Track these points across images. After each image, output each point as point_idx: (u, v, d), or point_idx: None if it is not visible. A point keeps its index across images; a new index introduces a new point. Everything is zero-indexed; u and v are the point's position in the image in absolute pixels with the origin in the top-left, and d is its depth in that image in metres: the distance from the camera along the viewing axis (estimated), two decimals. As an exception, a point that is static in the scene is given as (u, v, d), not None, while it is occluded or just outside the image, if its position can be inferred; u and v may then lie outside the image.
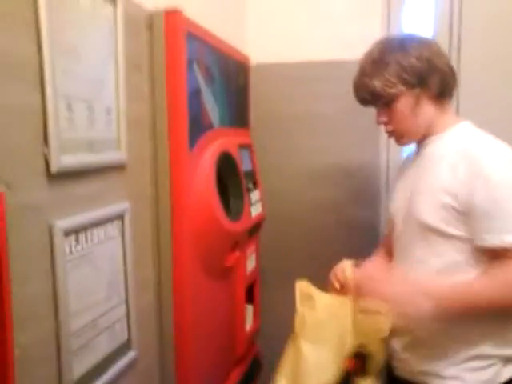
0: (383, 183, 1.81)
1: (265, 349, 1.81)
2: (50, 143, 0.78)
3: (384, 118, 1.15)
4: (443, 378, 1.09)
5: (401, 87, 1.09)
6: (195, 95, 1.16)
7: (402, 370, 1.16)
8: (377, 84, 1.10)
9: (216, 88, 1.31)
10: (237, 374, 1.54)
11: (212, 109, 1.28)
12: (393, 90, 1.10)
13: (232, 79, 1.49)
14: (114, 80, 0.97)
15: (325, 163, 1.83)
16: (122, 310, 1.03)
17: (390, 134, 1.18)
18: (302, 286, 1.13)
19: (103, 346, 0.96)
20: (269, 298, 1.83)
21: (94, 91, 0.91)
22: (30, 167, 0.75)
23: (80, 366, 0.88)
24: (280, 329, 1.80)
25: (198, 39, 1.19)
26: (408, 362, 1.13)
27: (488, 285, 1.03)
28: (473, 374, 1.08)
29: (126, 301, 1.04)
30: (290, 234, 1.88)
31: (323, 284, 1.17)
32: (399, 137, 1.18)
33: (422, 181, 1.12)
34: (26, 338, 0.74)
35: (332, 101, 1.78)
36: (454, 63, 1.39)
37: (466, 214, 1.04)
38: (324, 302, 1.10)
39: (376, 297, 1.04)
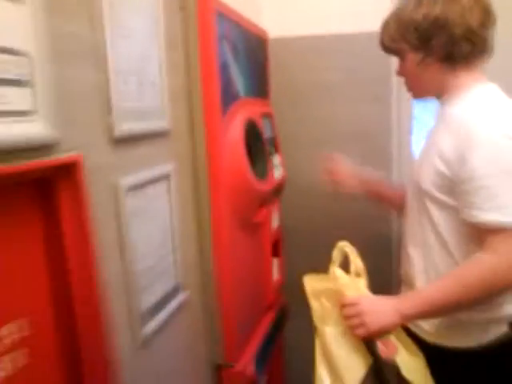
0: (395, 149, 1.93)
1: (290, 301, 1.95)
2: (112, 113, 0.91)
3: (398, 68, 1.20)
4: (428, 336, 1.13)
5: (404, 45, 1.11)
6: (225, 69, 1.29)
7: None
8: (385, 38, 1.16)
9: (241, 62, 1.43)
10: (267, 321, 1.70)
11: (238, 81, 1.40)
12: (397, 46, 1.13)
13: (253, 53, 1.61)
14: (157, 56, 1.09)
15: (339, 130, 1.94)
16: (175, 257, 1.18)
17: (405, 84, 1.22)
18: (310, 282, 1.15)
19: (159, 288, 1.11)
20: (292, 254, 1.98)
21: (141, 67, 1.03)
22: (98, 134, 0.89)
23: (145, 302, 1.04)
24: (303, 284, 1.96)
25: (225, 17, 1.30)
26: None
27: (448, 283, 1.02)
28: (457, 335, 1.11)
29: (174, 250, 1.18)
30: (308, 197, 1.99)
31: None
32: (408, 89, 1.22)
33: (429, 144, 1.15)
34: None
35: (347, 72, 1.87)
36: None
37: (454, 182, 1.03)
38: (334, 287, 1.11)
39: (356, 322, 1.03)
